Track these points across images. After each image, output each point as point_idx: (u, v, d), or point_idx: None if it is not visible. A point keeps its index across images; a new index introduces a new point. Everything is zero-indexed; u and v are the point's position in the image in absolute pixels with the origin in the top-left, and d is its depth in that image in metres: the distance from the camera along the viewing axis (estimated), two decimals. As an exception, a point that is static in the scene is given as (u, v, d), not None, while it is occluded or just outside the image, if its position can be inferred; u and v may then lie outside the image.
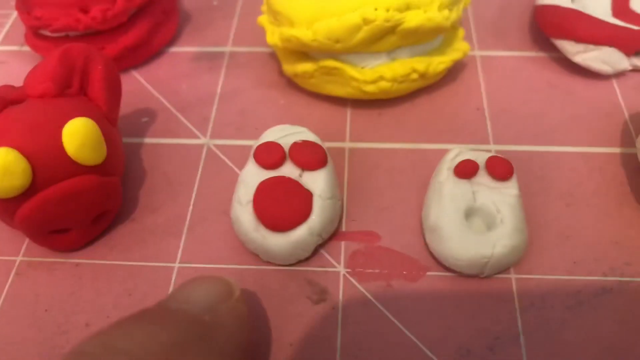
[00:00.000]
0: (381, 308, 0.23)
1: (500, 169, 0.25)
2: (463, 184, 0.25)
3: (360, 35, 0.26)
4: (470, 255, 0.23)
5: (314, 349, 0.22)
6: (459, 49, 0.30)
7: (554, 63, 0.32)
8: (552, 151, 0.28)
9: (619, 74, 0.31)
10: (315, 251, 0.25)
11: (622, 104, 0.30)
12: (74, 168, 0.23)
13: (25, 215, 0.23)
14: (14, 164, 0.22)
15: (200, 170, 0.28)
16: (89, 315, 0.24)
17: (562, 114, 0.30)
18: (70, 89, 0.25)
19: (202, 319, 0.18)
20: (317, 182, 0.24)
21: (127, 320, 0.18)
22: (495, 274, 0.24)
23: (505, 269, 0.24)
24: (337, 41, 0.26)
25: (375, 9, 0.26)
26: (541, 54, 0.33)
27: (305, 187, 0.24)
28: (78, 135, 0.23)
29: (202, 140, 0.29)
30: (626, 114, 0.30)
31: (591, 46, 0.30)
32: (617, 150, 0.28)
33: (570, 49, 0.31)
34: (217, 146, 0.29)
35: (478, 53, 0.33)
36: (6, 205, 0.23)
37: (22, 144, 0.22)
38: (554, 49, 0.32)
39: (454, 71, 0.32)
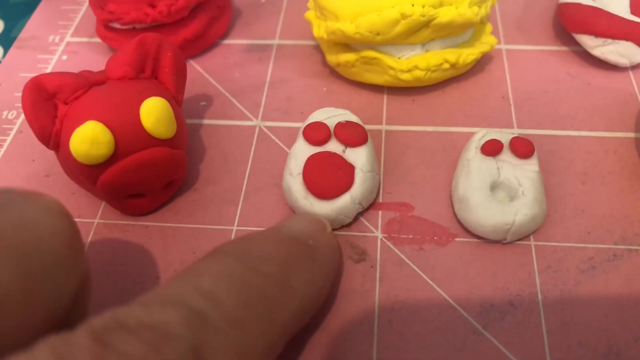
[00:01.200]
0: (414, 267, 0.27)
1: (522, 148, 0.28)
2: (489, 161, 0.28)
3: (398, 28, 0.29)
4: (494, 222, 0.26)
5: (356, 300, 0.26)
6: (487, 42, 0.33)
7: (575, 56, 0.35)
8: (570, 135, 0.31)
9: (635, 66, 0.34)
10: (356, 218, 0.28)
11: (638, 93, 0.33)
12: (149, 140, 0.26)
13: (107, 181, 0.26)
14: (101, 135, 0.25)
15: (253, 148, 0.31)
16: (159, 269, 0.27)
17: (580, 102, 0.33)
18: (144, 73, 0.28)
19: (307, 242, 0.23)
20: (358, 157, 0.28)
21: (255, 235, 0.23)
22: (517, 240, 0.27)
23: (525, 236, 0.27)
24: (378, 34, 0.30)
25: (412, 5, 0.29)
26: (563, 48, 0.36)
27: (348, 161, 0.28)
28: (154, 112, 0.26)
29: (254, 122, 0.33)
30: (641, 103, 0.32)
31: (609, 40, 0.33)
32: (631, 135, 0.31)
33: (590, 42, 0.33)
34: (267, 127, 0.32)
35: (504, 47, 0.36)
36: (91, 171, 0.26)
37: (106, 118, 0.26)
38: (574, 43, 0.35)
39: (482, 63, 0.35)
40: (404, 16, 0.29)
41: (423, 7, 0.29)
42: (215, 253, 0.21)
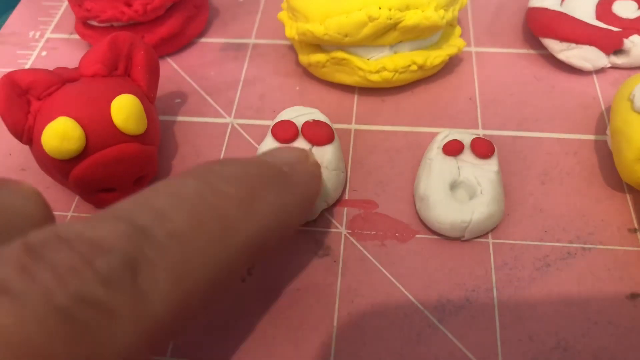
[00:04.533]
0: (375, 262, 0.27)
1: (482, 148, 0.29)
2: (449, 160, 0.28)
3: (366, 30, 0.30)
4: (452, 220, 0.27)
5: (318, 293, 0.27)
6: (455, 45, 0.34)
7: (542, 59, 0.36)
8: (532, 136, 0.32)
9: (599, 70, 0.35)
10: (322, 214, 0.29)
11: (600, 97, 0.34)
12: (119, 136, 0.27)
13: (78, 175, 0.27)
14: (71, 131, 0.26)
15: (225, 145, 0.32)
16: (129, 261, 0.28)
17: (545, 104, 0.33)
18: (117, 71, 0.29)
19: (281, 169, 0.22)
20: (324, 155, 0.29)
21: (226, 158, 0.23)
22: (475, 237, 0.28)
23: (483, 234, 0.28)
24: (346, 35, 0.30)
25: (379, 8, 0.29)
26: (531, 51, 0.36)
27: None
28: (124, 109, 0.27)
29: (227, 120, 0.34)
30: (603, 106, 0.33)
31: (573, 45, 0.34)
32: (591, 137, 0.32)
33: (555, 47, 0.34)
34: (239, 125, 0.33)
35: (474, 49, 0.37)
36: (63, 166, 0.27)
37: (78, 114, 0.26)
38: (541, 46, 0.36)
39: (451, 65, 0.36)
40: (371, 19, 0.30)
41: (390, 10, 0.30)
42: (180, 174, 0.21)
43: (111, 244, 0.16)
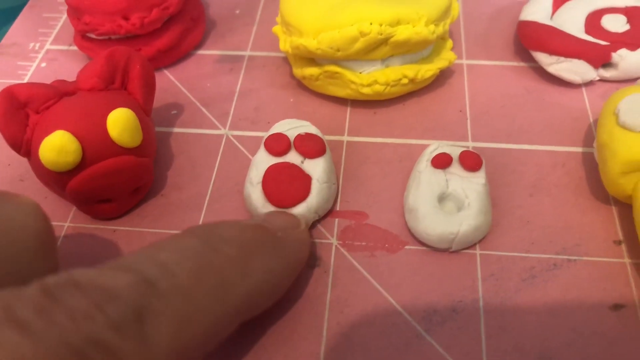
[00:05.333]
0: (365, 273, 0.28)
1: (470, 161, 0.29)
2: (438, 173, 0.29)
3: (358, 45, 0.31)
4: (440, 232, 0.27)
5: (308, 303, 0.27)
6: (446, 58, 0.34)
7: (532, 72, 0.37)
8: (521, 149, 0.33)
9: (588, 83, 0.36)
10: (313, 226, 0.30)
11: (589, 109, 0.34)
12: (115, 149, 0.28)
13: (75, 187, 0.28)
14: (68, 144, 0.27)
15: (219, 156, 0.33)
16: (124, 271, 0.29)
17: (534, 116, 0.34)
18: (114, 84, 0.30)
19: (276, 234, 0.24)
20: (316, 168, 0.29)
21: (226, 221, 0.25)
22: (462, 249, 0.28)
23: (470, 245, 0.29)
24: (338, 50, 0.31)
25: (370, 24, 0.30)
26: (522, 64, 0.37)
27: (306, 172, 0.29)
28: (120, 123, 0.28)
29: (222, 131, 0.34)
30: (591, 119, 0.34)
31: (562, 58, 0.34)
32: (579, 149, 0.33)
33: (545, 60, 0.35)
34: (234, 136, 0.34)
35: (465, 62, 0.37)
36: (60, 178, 0.28)
37: (74, 128, 0.27)
38: (532, 59, 0.36)
39: (443, 77, 0.36)
40: (362, 34, 0.30)
41: (381, 25, 0.30)
42: (182, 232, 0.22)
43: (121, 292, 0.17)
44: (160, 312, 0.18)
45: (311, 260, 0.29)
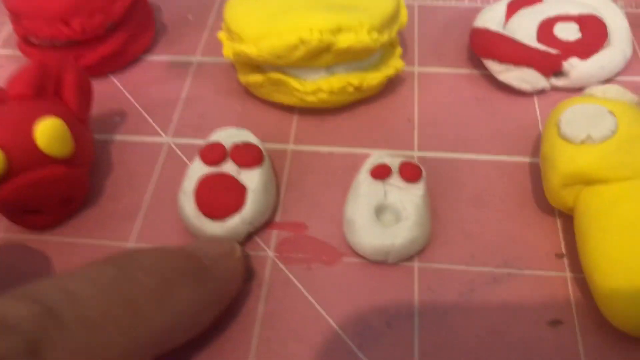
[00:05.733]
0: (300, 287, 0.27)
1: (409, 172, 0.28)
2: (377, 184, 0.28)
3: (299, 53, 0.30)
4: (375, 244, 0.27)
5: (238, 318, 0.26)
6: (393, 66, 0.34)
7: (484, 80, 0.36)
8: (468, 158, 0.32)
9: (540, 92, 0.35)
10: (249, 237, 0.29)
11: (539, 118, 0.34)
12: (44, 159, 0.27)
13: (2, 197, 0.27)
14: (-8, 154, 0.26)
15: (160, 165, 0.32)
16: (53, 284, 0.28)
17: (483, 125, 0.33)
18: (46, 93, 0.29)
19: (202, 262, 0.23)
20: (252, 178, 0.28)
21: (151, 248, 0.24)
22: (400, 261, 0.28)
23: (408, 258, 0.28)
24: (279, 57, 0.30)
25: (311, 31, 0.29)
26: (474, 72, 0.37)
27: (242, 182, 0.28)
28: (48, 132, 0.27)
29: (164, 139, 0.33)
30: (541, 128, 0.33)
31: (512, 66, 0.34)
32: (527, 159, 0.32)
33: (495, 68, 0.34)
34: (176, 144, 0.33)
35: (417, 69, 0.37)
36: (-14, 188, 0.27)
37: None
38: (484, 67, 0.36)
39: (393, 85, 0.36)
40: (302, 41, 0.30)
41: (321, 33, 0.30)
42: (101, 260, 0.22)
43: (17, 323, 0.16)
44: (58, 344, 0.17)
45: (245, 274, 0.28)
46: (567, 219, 0.29)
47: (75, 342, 0.18)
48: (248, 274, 0.28)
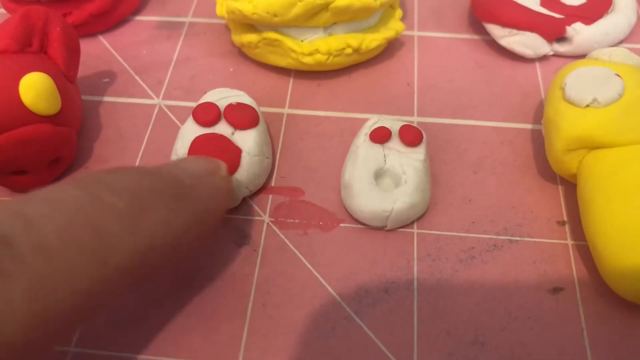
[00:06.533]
0: (296, 252, 0.27)
1: (410, 136, 0.28)
2: (376, 148, 0.28)
3: (295, 10, 0.29)
4: (374, 209, 0.26)
5: (234, 283, 0.26)
6: (393, 28, 0.33)
7: (485, 45, 0.35)
8: (468, 124, 0.31)
9: (542, 58, 0.34)
10: (244, 202, 0.28)
11: (541, 85, 0.33)
12: (30, 117, 0.26)
13: (-15, 157, 0.26)
14: (-26, 110, 0.25)
15: (150, 127, 0.31)
16: (40, 247, 0.27)
17: (484, 91, 0.33)
18: (31, 47, 0.28)
19: (182, 181, 0.21)
20: (247, 140, 0.28)
21: (124, 167, 0.21)
22: (399, 227, 0.27)
23: (407, 224, 0.27)
24: (275, 15, 0.29)
25: (309, -12, 0.28)
26: (475, 37, 0.36)
27: (236, 144, 0.27)
28: (33, 88, 0.26)
29: (154, 101, 0.32)
30: (543, 95, 0.33)
31: (515, 31, 0.33)
32: (528, 126, 0.31)
33: (497, 32, 0.33)
34: (167, 106, 0.32)
35: (416, 33, 0.36)
36: (-32, 147, 0.26)
37: (-18, 92, 0.25)
38: (486, 32, 0.35)
39: (392, 49, 0.35)
40: (300, -2, 0.28)
41: (320, -11, 0.28)
42: (64, 181, 0.20)
43: None
44: (14, 276, 0.15)
45: (240, 238, 0.27)
46: (569, 186, 0.28)
47: (31, 274, 0.16)
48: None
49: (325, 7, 0.29)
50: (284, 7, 0.29)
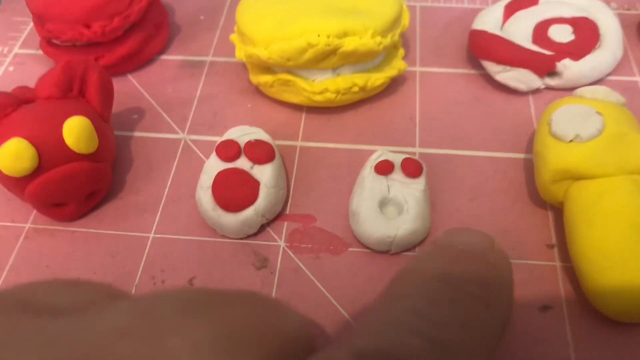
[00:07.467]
0: (309, 274, 0.30)
1: (411, 168, 0.31)
2: (380, 179, 0.31)
3: (307, 55, 0.32)
4: (379, 235, 0.29)
5: (252, 303, 0.29)
6: (396, 67, 0.36)
7: (482, 80, 0.38)
8: (465, 155, 0.34)
9: (535, 91, 0.37)
10: (262, 228, 0.31)
11: (534, 117, 0.36)
12: (71, 155, 0.29)
13: (32, 191, 0.29)
14: (24, 151, 0.28)
15: (177, 160, 0.34)
16: (80, 271, 0.30)
17: (480, 123, 0.36)
18: (72, 93, 0.31)
19: (488, 259, 0.18)
20: (264, 173, 0.31)
21: (428, 252, 0.19)
22: (402, 251, 0.30)
23: (410, 248, 0.30)
24: (288, 60, 0.32)
25: (319, 36, 0.31)
26: (472, 72, 0.38)
27: (255, 177, 0.30)
28: (75, 130, 0.29)
29: (180, 135, 0.36)
30: (535, 125, 0.35)
31: (509, 67, 0.36)
32: (521, 155, 0.34)
33: (493, 68, 0.36)
34: (192, 141, 0.35)
35: (419, 69, 0.39)
36: (18, 182, 0.29)
37: (31, 135, 0.28)
38: (482, 67, 0.38)
39: (396, 84, 0.38)
40: (310, 45, 0.32)
41: (328, 37, 0.32)
42: (408, 274, 0.19)
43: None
44: None
45: (258, 262, 0.30)
46: (558, 212, 0.31)
47: None
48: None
49: (333, 52, 0.32)
50: (297, 53, 0.32)
